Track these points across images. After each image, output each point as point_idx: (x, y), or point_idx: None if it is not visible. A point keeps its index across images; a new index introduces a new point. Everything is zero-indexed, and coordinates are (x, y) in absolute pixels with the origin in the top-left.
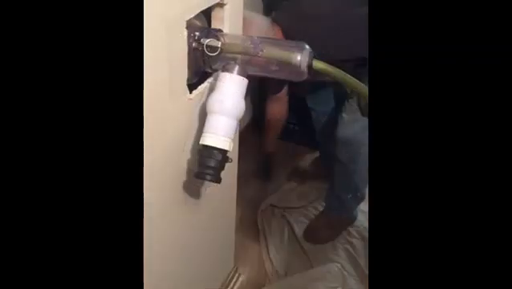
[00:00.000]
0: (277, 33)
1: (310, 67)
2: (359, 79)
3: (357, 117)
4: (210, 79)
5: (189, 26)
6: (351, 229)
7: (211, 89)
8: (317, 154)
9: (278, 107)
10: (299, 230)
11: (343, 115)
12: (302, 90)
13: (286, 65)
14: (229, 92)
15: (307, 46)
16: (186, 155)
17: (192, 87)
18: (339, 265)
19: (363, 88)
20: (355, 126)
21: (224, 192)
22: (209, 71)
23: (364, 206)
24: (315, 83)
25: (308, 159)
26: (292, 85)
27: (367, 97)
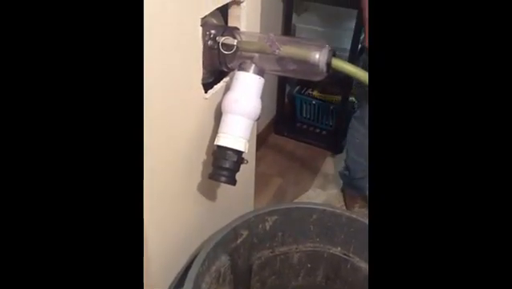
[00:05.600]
0: None
1: (329, 65)
2: None
3: None
4: (226, 79)
5: (205, 23)
6: None
7: (227, 89)
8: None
9: None
10: None
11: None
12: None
13: (305, 64)
14: (245, 92)
15: (327, 45)
16: (202, 155)
17: (207, 86)
18: None
19: None
20: None
21: (241, 194)
22: (225, 70)
23: None
24: None
25: (330, 162)
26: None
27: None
